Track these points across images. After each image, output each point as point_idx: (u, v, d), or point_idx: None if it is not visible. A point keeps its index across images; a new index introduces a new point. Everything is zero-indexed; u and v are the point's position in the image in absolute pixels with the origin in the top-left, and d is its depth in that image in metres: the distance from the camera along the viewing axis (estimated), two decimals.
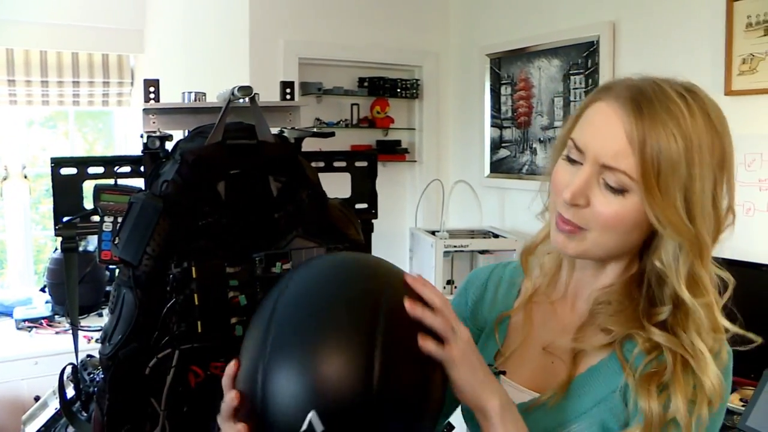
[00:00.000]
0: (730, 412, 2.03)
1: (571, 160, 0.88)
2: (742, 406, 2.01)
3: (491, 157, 3.52)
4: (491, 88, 3.49)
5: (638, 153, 0.81)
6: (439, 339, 0.79)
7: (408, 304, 0.79)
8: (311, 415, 0.73)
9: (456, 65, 3.80)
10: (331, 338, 0.76)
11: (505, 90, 3.43)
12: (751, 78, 2.31)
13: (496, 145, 3.50)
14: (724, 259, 2.43)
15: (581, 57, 2.98)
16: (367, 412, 0.74)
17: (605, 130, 0.84)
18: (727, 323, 0.85)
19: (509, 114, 3.41)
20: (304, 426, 0.73)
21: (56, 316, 3.44)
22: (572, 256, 0.94)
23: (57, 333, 3.29)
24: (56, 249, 3.56)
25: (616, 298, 0.90)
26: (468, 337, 0.82)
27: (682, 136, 0.80)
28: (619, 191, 0.83)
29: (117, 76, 3.96)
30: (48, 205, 3.96)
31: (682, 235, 0.82)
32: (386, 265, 0.88)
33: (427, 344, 0.78)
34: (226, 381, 0.82)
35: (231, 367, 0.82)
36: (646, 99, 0.82)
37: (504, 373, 0.97)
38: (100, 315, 3.43)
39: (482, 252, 3.15)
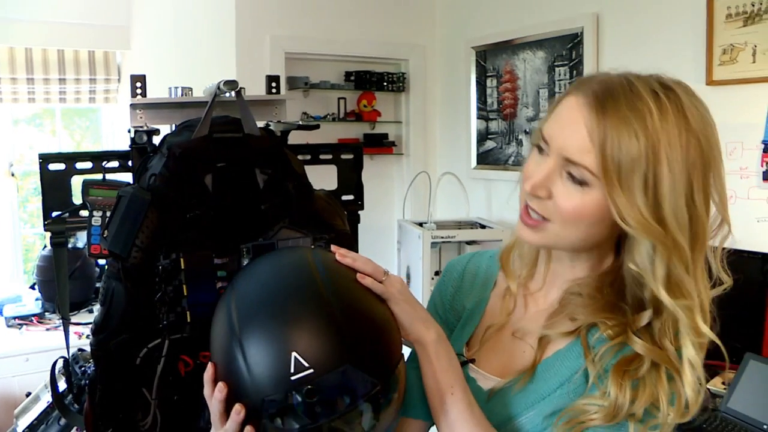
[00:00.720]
0: (712, 395, 2.07)
1: (540, 150, 0.90)
2: (724, 389, 2.05)
3: (478, 149, 3.55)
4: (477, 81, 3.52)
5: (599, 150, 0.81)
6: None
7: (338, 256, 0.93)
8: (294, 355, 0.79)
9: (442, 58, 3.82)
10: (289, 296, 0.86)
11: (490, 82, 3.45)
12: (732, 68, 2.34)
13: (482, 137, 3.52)
14: (721, 260, 2.47)
15: (566, 49, 3.01)
16: (339, 341, 0.81)
17: (569, 125, 0.85)
18: (706, 330, 0.84)
19: (495, 106, 3.44)
20: (292, 367, 0.78)
21: (46, 313, 3.45)
22: (537, 246, 0.97)
23: (47, 330, 3.30)
24: (45, 246, 3.57)
25: (588, 291, 0.92)
26: (402, 281, 0.94)
27: (646, 134, 0.80)
28: (581, 184, 0.84)
29: (104, 72, 3.96)
30: (36, 203, 3.95)
31: (651, 234, 0.81)
32: (311, 250, 1.02)
33: (365, 279, 0.90)
34: (206, 385, 0.88)
35: (209, 371, 0.88)
36: (612, 96, 0.82)
37: (473, 361, 1.00)
38: (91, 311, 3.44)
39: (470, 243, 3.18)
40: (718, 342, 0.87)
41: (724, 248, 0.91)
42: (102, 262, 3.55)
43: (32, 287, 3.60)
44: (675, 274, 0.83)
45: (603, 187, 0.82)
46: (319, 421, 0.79)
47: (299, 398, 0.78)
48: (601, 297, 0.90)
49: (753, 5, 2.26)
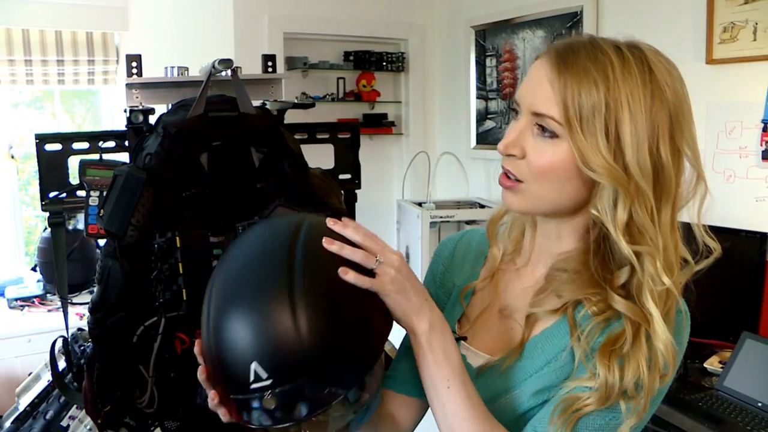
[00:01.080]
0: (709, 374, 2.09)
1: (516, 115, 0.92)
2: (721, 368, 2.06)
3: (477, 129, 3.54)
4: (476, 60, 3.50)
5: (560, 98, 0.84)
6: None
7: (325, 242, 0.84)
8: (254, 366, 0.78)
9: (441, 38, 3.80)
10: (259, 293, 0.82)
11: (490, 62, 3.44)
12: (732, 46, 2.33)
13: (481, 116, 3.51)
14: (703, 225, 2.46)
15: (565, 27, 2.99)
16: (300, 351, 0.79)
17: (534, 81, 0.88)
18: (666, 280, 0.85)
19: (494, 86, 3.42)
20: (251, 377, 0.78)
21: (48, 295, 3.47)
22: (521, 212, 0.97)
23: (49, 311, 3.32)
24: (46, 228, 3.58)
25: (573, 266, 0.92)
26: (399, 263, 0.86)
27: (607, 83, 0.82)
28: (551, 137, 0.86)
29: (102, 54, 3.94)
30: (37, 186, 3.96)
31: (613, 179, 0.83)
32: (311, 219, 0.91)
33: (348, 275, 0.82)
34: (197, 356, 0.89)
35: (196, 346, 0.89)
36: (573, 51, 0.86)
37: (465, 339, 1.00)
38: (92, 292, 3.44)
39: (469, 222, 3.18)
40: (676, 292, 0.87)
41: (711, 229, 0.91)
42: (102, 242, 3.57)
43: (33, 269, 3.62)
44: (637, 220, 0.84)
45: (567, 135, 0.84)
46: (281, 425, 0.81)
47: (258, 404, 0.79)
48: (587, 271, 0.90)
49: None
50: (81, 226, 3.30)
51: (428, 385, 0.88)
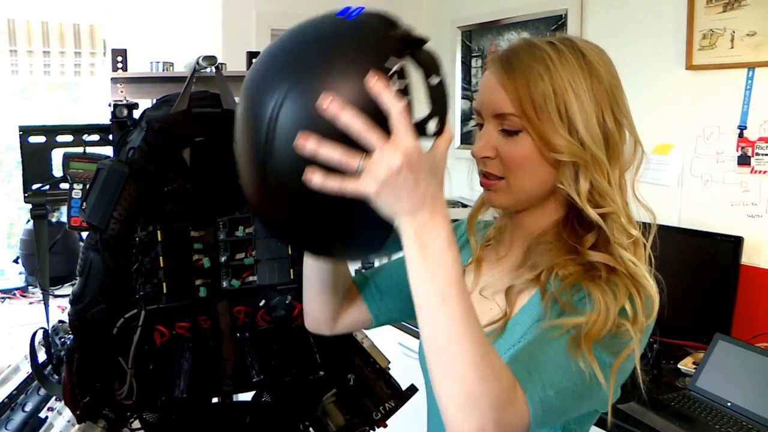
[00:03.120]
0: (682, 375, 2.13)
1: (480, 126, 1.01)
2: (695, 368, 2.10)
3: (461, 129, 3.57)
4: (462, 61, 3.53)
5: (514, 96, 0.93)
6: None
7: (298, 140, 0.72)
8: None
9: (428, 38, 3.81)
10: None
11: (475, 62, 3.47)
12: (711, 53, 2.37)
13: (466, 116, 3.54)
14: (681, 229, 2.50)
15: (550, 30, 3.03)
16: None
17: (488, 89, 0.98)
18: (635, 231, 0.94)
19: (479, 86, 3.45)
20: None
21: (29, 287, 3.45)
22: (505, 208, 1.05)
23: (30, 303, 3.31)
24: (29, 220, 3.57)
25: (548, 239, 0.99)
26: (399, 163, 0.71)
27: (549, 73, 0.92)
28: (515, 132, 0.94)
29: (89, 46, 3.92)
30: (19, 178, 3.94)
31: (575, 154, 0.92)
32: (304, 85, 0.74)
33: (313, 178, 0.72)
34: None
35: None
36: (514, 54, 0.96)
37: None
38: (74, 285, 3.44)
39: (452, 221, 3.20)
40: (643, 239, 0.95)
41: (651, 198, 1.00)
42: (85, 235, 3.56)
43: (15, 261, 3.60)
44: (597, 186, 0.93)
45: (528, 126, 0.93)
46: None
47: None
48: (560, 240, 0.98)
49: None
50: (64, 219, 3.31)
51: (419, 298, 0.77)
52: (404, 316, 1.18)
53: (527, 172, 0.95)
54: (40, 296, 3.35)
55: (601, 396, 0.89)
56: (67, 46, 3.85)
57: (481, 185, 1.01)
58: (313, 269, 1.08)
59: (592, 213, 0.93)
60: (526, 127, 0.93)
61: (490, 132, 0.97)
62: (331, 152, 0.71)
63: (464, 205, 3.27)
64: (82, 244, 3.56)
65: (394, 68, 0.75)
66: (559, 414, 0.87)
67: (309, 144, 0.71)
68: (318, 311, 1.13)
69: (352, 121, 0.71)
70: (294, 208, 0.77)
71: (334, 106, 0.71)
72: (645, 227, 0.98)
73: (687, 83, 2.48)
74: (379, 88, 0.72)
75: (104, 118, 3.85)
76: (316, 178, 0.72)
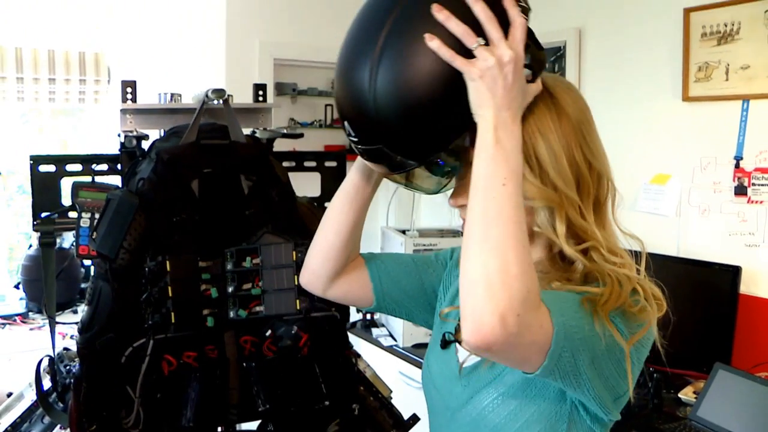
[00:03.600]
0: (683, 404, 2.14)
1: (454, 170, 1.00)
2: (695, 398, 2.11)
3: None
4: None
5: None
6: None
7: (434, 7, 0.82)
8: (346, 123, 0.91)
9: None
10: (347, 54, 0.91)
11: None
12: (706, 85, 2.41)
13: None
14: (680, 258, 2.52)
15: (549, 61, 3.08)
16: (374, 121, 0.86)
17: None
18: (619, 257, 0.94)
19: None
20: (347, 132, 0.91)
21: (30, 313, 3.45)
22: None
23: (31, 329, 3.30)
24: (31, 246, 3.58)
25: (540, 269, 0.99)
26: (508, 59, 0.81)
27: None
28: None
29: (94, 73, 3.97)
30: (20, 202, 3.97)
31: (547, 200, 0.92)
32: None
33: (432, 42, 0.81)
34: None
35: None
36: None
37: (460, 342, 1.07)
38: (75, 312, 3.45)
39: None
40: (632, 264, 0.95)
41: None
42: (87, 262, 3.57)
43: (17, 286, 3.61)
44: (575, 223, 0.93)
45: None
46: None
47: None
48: (554, 267, 0.98)
49: (726, 26, 2.33)
50: (66, 245, 3.33)
51: (480, 180, 0.82)
52: (399, 311, 1.19)
53: None
54: (41, 322, 3.36)
55: (615, 382, 0.89)
56: (72, 73, 3.90)
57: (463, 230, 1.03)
58: (333, 220, 1.10)
59: (570, 251, 0.93)
60: None
61: (465, 179, 0.96)
62: (457, 24, 0.81)
63: (456, 233, 3.29)
64: (83, 270, 3.57)
65: None
66: (573, 362, 0.84)
67: (441, 13, 0.81)
68: (319, 265, 1.13)
69: (484, 9, 0.81)
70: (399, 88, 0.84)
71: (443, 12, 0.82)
72: (637, 256, 0.98)
73: (684, 114, 2.52)
74: (439, 15, 0.82)
75: (105, 143, 3.87)
76: (434, 42, 0.81)
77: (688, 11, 2.44)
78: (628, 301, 0.90)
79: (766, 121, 2.29)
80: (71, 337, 3.03)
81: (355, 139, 0.89)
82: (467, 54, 0.81)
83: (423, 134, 0.86)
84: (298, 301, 1.36)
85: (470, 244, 0.80)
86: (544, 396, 0.95)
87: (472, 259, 0.79)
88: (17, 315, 3.40)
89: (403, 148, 0.87)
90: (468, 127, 0.86)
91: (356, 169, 1.08)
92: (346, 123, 0.89)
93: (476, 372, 1.02)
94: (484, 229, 0.79)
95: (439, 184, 0.95)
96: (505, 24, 0.83)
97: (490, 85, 0.81)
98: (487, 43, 0.82)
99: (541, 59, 0.89)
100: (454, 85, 0.83)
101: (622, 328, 0.88)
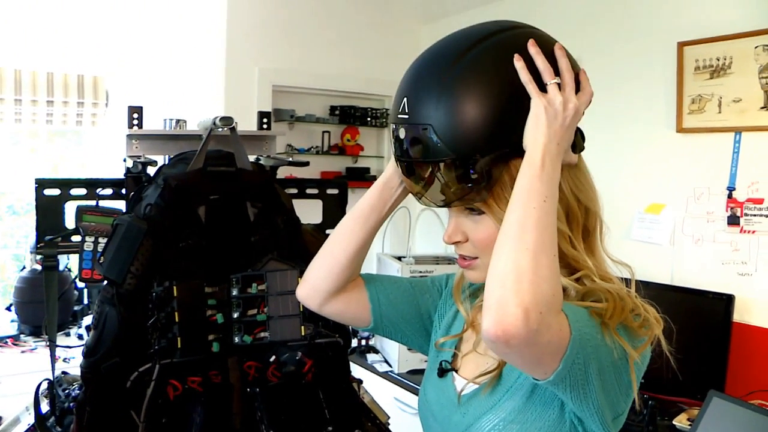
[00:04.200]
0: (677, 431, 2.15)
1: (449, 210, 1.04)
2: (689, 425, 2.12)
3: None
4: None
5: None
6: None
7: (530, 43, 0.92)
8: (404, 101, 0.97)
9: None
10: (434, 48, 0.98)
11: None
12: (700, 117, 2.46)
13: None
14: (673, 287, 2.55)
15: None
16: (429, 104, 0.92)
17: None
18: (608, 285, 0.97)
19: None
20: (400, 108, 0.97)
21: (21, 336, 3.42)
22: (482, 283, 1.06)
23: (22, 352, 3.27)
24: (24, 267, 3.56)
25: None
26: (572, 105, 0.91)
27: None
28: (479, 214, 0.99)
29: (92, 96, 3.99)
30: (8, 223, 3.96)
31: None
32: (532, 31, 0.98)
33: (518, 62, 0.90)
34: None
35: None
36: None
37: (456, 370, 1.11)
38: (68, 334, 3.43)
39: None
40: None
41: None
42: (81, 285, 3.55)
43: (8, 308, 3.58)
44: (566, 254, 0.96)
45: (489, 213, 0.97)
46: (403, 159, 0.98)
47: (397, 132, 0.97)
48: None
49: (718, 60, 2.39)
50: (60, 267, 3.31)
51: (523, 193, 0.87)
52: (395, 334, 1.20)
53: None
54: (33, 345, 3.33)
55: (616, 397, 0.92)
56: (70, 96, 3.92)
57: (459, 265, 1.06)
58: (343, 237, 1.12)
59: (564, 281, 0.95)
60: (486, 211, 0.97)
61: (458, 216, 1.02)
62: (543, 60, 0.91)
63: (450, 260, 3.31)
64: (76, 293, 3.55)
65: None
66: (584, 370, 0.86)
67: (534, 47, 0.91)
68: (321, 280, 1.14)
69: (567, 65, 0.93)
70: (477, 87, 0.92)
71: (558, 48, 0.94)
72: (627, 283, 1.01)
73: (678, 145, 2.57)
74: (531, 49, 0.92)
75: (100, 166, 3.85)
76: (520, 63, 0.90)
77: (681, 45, 2.50)
78: (629, 316, 0.93)
79: (757, 153, 2.34)
80: (64, 360, 3.01)
81: (406, 116, 0.94)
82: (541, 88, 0.90)
83: (472, 129, 0.90)
84: (303, 327, 1.37)
85: (504, 243, 0.85)
86: (544, 418, 0.97)
87: (505, 256, 0.83)
88: (8, 337, 3.37)
89: (449, 135, 0.91)
90: (509, 146, 0.91)
91: (375, 190, 1.11)
92: (404, 100, 0.95)
93: (475, 399, 1.03)
94: (521, 233, 0.84)
95: (454, 195, 0.97)
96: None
97: (550, 118, 0.89)
98: (559, 87, 0.91)
99: (583, 141, 0.99)
100: (516, 104, 0.91)
101: (626, 342, 0.92)
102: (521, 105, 0.90)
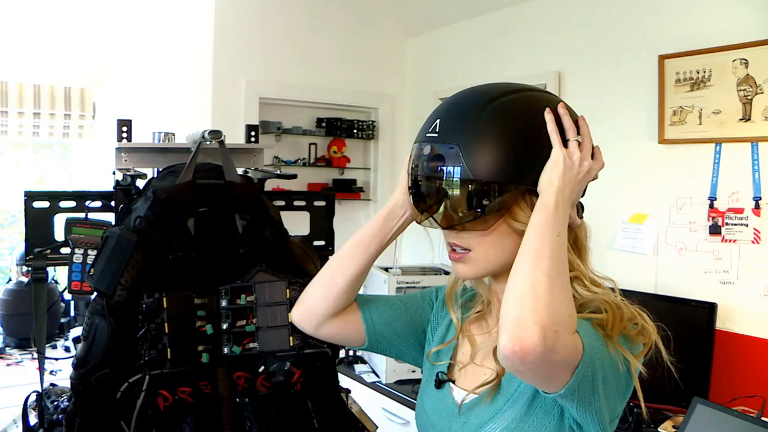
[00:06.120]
0: None
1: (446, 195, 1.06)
2: None
3: None
4: None
5: None
6: None
7: (560, 106, 1.01)
8: (437, 121, 1.03)
9: (410, 108, 3.96)
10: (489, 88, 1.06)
11: None
12: (681, 128, 2.51)
13: None
14: (657, 295, 2.58)
15: None
16: (462, 127, 0.99)
17: None
18: (598, 289, 1.01)
19: None
20: (431, 127, 1.04)
21: (7, 348, 3.40)
22: (472, 279, 1.09)
23: (8, 365, 3.25)
24: (9, 280, 3.55)
25: None
26: (585, 167, 0.99)
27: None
28: None
29: (79, 108, 3.99)
30: None
31: None
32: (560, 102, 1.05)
33: (548, 114, 0.99)
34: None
35: None
36: None
37: (453, 381, 1.13)
38: (54, 347, 3.41)
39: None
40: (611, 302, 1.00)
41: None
42: (68, 297, 3.54)
43: None
44: None
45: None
46: (425, 174, 1.03)
47: (422, 149, 1.03)
48: None
49: (698, 72, 2.44)
50: (48, 279, 3.29)
51: (539, 227, 0.92)
52: (390, 350, 1.22)
53: (494, 242, 1.01)
54: (19, 358, 3.32)
55: (614, 402, 0.95)
56: (57, 108, 3.92)
57: (450, 258, 1.07)
58: (343, 262, 1.14)
59: None
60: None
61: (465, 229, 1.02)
62: (569, 120, 1.00)
63: (446, 272, 3.33)
64: (63, 306, 3.53)
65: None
66: (592, 382, 0.90)
67: (563, 108, 1.01)
68: (318, 303, 1.15)
69: (588, 132, 1.02)
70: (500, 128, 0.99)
71: (583, 118, 1.04)
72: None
73: (660, 156, 2.61)
74: (581, 121, 1.03)
75: (85, 177, 3.83)
76: (549, 115, 0.99)
77: (662, 58, 2.55)
78: (628, 325, 0.97)
79: (737, 164, 2.38)
80: (51, 372, 2.99)
81: (436, 134, 1.00)
82: (563, 141, 0.99)
83: (495, 160, 0.97)
84: (291, 338, 1.38)
85: (522, 267, 0.89)
86: (544, 425, 0.99)
87: (523, 278, 0.88)
88: None
89: (473, 160, 0.97)
90: (526, 183, 0.98)
91: (377, 219, 1.14)
92: (437, 120, 1.02)
93: (476, 409, 1.05)
94: (537, 260, 0.89)
95: (461, 219, 1.00)
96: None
97: (567, 168, 0.97)
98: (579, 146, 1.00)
99: (582, 210, 1.07)
100: (537, 148, 0.98)
101: (627, 351, 0.95)
102: (542, 150, 0.98)
